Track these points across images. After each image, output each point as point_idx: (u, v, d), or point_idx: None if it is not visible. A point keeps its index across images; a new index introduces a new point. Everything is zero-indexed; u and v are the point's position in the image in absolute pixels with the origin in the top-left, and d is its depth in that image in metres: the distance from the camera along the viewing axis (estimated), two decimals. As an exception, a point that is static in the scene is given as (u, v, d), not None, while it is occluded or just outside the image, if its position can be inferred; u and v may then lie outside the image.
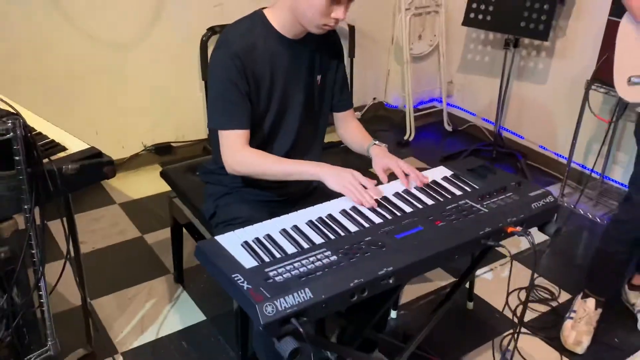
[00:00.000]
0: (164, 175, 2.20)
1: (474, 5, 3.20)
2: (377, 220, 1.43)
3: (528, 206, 1.52)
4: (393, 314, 2.31)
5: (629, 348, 2.21)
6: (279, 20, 1.64)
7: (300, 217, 1.44)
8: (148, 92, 3.16)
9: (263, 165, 1.63)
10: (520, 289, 2.48)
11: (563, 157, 3.34)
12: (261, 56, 1.63)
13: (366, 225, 1.41)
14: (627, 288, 2.39)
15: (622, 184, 3.11)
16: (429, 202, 1.52)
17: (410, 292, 2.44)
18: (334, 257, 1.27)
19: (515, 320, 2.31)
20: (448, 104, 3.98)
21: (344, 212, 1.47)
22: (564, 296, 2.45)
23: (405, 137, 3.81)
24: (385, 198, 1.53)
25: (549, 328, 2.29)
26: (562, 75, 3.29)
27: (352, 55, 3.60)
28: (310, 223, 1.42)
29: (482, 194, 1.55)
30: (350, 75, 3.65)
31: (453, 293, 1.76)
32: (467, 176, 1.66)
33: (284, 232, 1.38)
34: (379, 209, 1.48)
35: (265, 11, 1.67)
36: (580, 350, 2.17)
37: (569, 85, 3.24)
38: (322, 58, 1.75)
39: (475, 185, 1.61)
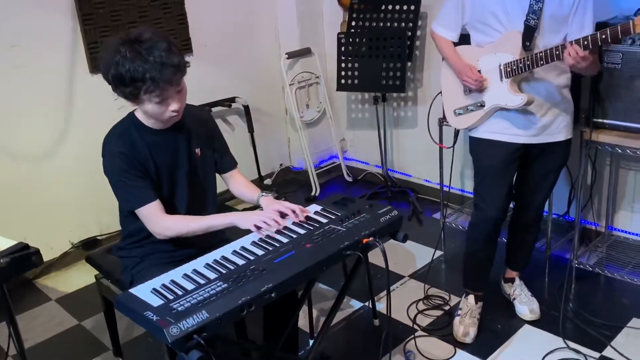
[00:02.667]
0: (89, 260, 2.50)
1: (343, 73, 3.75)
2: (260, 252, 1.81)
3: (377, 221, 1.94)
4: (311, 342, 2.65)
5: (510, 331, 2.63)
6: (145, 118, 2.01)
7: (199, 262, 1.79)
8: (70, 193, 3.46)
9: (188, 225, 2.00)
10: (417, 300, 2.88)
11: (446, 185, 3.85)
12: (140, 150, 1.99)
13: (251, 257, 1.79)
14: (503, 282, 2.84)
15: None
16: (302, 231, 1.92)
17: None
18: (224, 285, 1.63)
19: (415, 326, 2.70)
20: (345, 158, 4.47)
21: (234, 252, 1.84)
22: (454, 300, 2.87)
23: (312, 193, 4.24)
24: (268, 236, 1.91)
25: (444, 328, 2.69)
26: (426, 118, 3.83)
27: (251, 130, 4.05)
28: (207, 265, 1.78)
29: (342, 218, 1.96)
30: (253, 148, 4.09)
31: (340, 300, 2.12)
32: (332, 207, 2.07)
33: (185, 275, 1.73)
34: (262, 244, 1.86)
35: (135, 112, 2.05)
36: (468, 340, 2.56)
37: (434, 126, 3.79)
38: (197, 133, 2.14)
39: (337, 213, 2.02)
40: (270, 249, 1.82)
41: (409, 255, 3.30)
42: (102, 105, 3.49)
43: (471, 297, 2.66)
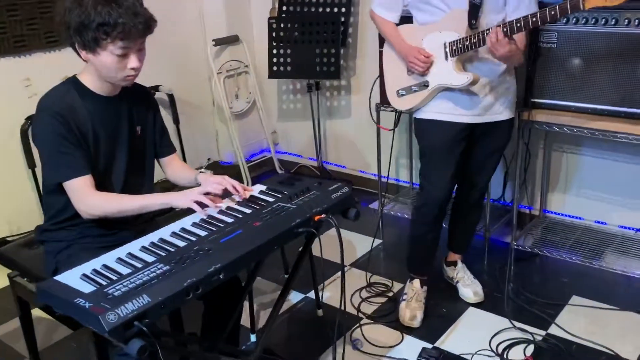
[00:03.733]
0: (1, 258, 2.22)
1: (275, 60, 3.61)
2: (203, 233, 1.64)
3: (329, 198, 1.83)
4: (252, 337, 2.49)
5: (456, 314, 2.59)
6: (91, 81, 1.83)
7: (134, 246, 1.60)
8: (-27, 191, 3.12)
9: (119, 204, 1.81)
10: (360, 288, 2.79)
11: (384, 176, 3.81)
12: (81, 116, 1.80)
13: (193, 238, 1.62)
14: (445, 265, 2.80)
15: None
16: (248, 210, 1.77)
17: (266, 315, 2.64)
18: (166, 267, 1.45)
19: (360, 314, 2.60)
20: (276, 152, 4.33)
21: (173, 234, 1.66)
22: (397, 286, 2.80)
23: (243, 188, 4.07)
24: (209, 216, 1.75)
25: (389, 314, 2.61)
26: (360, 107, 3.78)
27: (176, 122, 3.82)
28: (144, 248, 1.59)
29: (291, 196, 1.83)
30: (179, 141, 3.87)
31: (288, 287, 1.99)
32: (278, 186, 1.94)
33: (120, 260, 1.54)
34: (204, 225, 1.69)
35: (78, 76, 1.86)
36: (416, 324, 2.49)
37: (367, 114, 3.74)
38: (138, 111, 1.96)
39: (285, 192, 1.88)
40: (214, 229, 1.66)
41: (348, 244, 3.20)
42: (11, 93, 3.19)
43: (416, 281, 2.60)
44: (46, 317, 2.30)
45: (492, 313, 2.56)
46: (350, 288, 2.79)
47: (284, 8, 3.62)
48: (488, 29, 2.14)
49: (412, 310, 2.52)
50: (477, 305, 2.63)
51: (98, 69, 1.78)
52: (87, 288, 1.40)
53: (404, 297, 2.60)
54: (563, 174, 3.10)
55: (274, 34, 3.58)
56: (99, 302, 1.32)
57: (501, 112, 2.39)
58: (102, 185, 1.86)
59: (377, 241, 3.19)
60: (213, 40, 3.87)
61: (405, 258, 2.71)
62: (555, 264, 2.91)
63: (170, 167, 2.11)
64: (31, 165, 3.22)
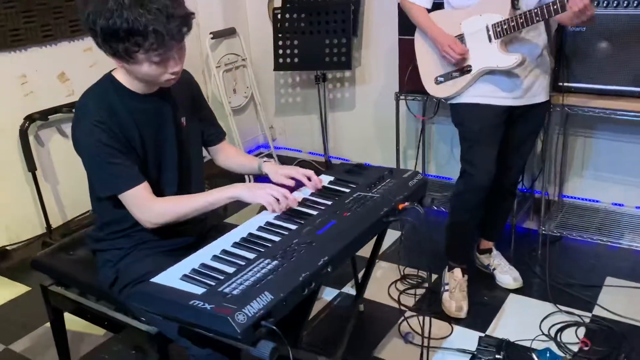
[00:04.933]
0: (36, 264, 2.04)
1: (281, 52, 3.51)
2: (293, 226, 1.55)
3: (406, 186, 1.77)
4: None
5: (498, 301, 2.57)
6: (128, 80, 1.67)
7: (225, 243, 1.49)
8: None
9: (184, 206, 1.66)
10: (395, 281, 2.73)
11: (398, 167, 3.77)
12: (123, 119, 1.65)
13: (286, 233, 1.52)
14: (478, 253, 2.78)
15: (438, 177, 3.59)
16: (329, 202, 1.68)
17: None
18: (275, 262, 1.36)
19: (402, 307, 2.55)
20: (275, 147, 4.22)
21: (260, 229, 1.56)
22: (433, 277, 2.76)
23: (244, 186, 3.94)
24: (290, 209, 1.65)
25: (432, 305, 2.56)
26: (365, 98, 3.73)
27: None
28: (236, 245, 1.49)
29: (368, 185, 1.75)
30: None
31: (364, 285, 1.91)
32: (347, 176, 1.86)
33: (216, 258, 1.43)
34: (292, 217, 1.60)
35: (114, 73, 1.70)
36: (463, 314, 2.46)
37: (373, 106, 3.70)
38: (182, 101, 1.82)
39: (357, 182, 1.81)
40: (303, 222, 1.57)
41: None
42: (7, 91, 2.96)
43: (457, 271, 2.56)
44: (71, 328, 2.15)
45: (534, 298, 2.56)
46: (385, 281, 2.73)
47: (288, -2, 3.52)
48: (537, 8, 2.12)
49: (457, 301, 2.48)
50: (517, 291, 2.62)
51: (133, 75, 1.62)
52: (195, 289, 1.29)
53: (446, 287, 2.56)
54: (579, 158, 3.14)
55: (279, 25, 3.47)
56: (220, 302, 1.21)
57: (539, 94, 2.38)
58: (156, 188, 1.73)
59: (397, 233, 3.15)
60: (211, 33, 3.73)
61: (439, 248, 2.67)
62: (581, 247, 2.94)
63: (224, 153, 1.99)
64: (31, 168, 3.00)
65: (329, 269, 1.40)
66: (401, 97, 3.12)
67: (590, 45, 2.59)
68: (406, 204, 1.67)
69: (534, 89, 2.36)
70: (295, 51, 3.48)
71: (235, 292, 1.24)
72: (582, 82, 2.64)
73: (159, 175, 1.75)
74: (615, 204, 3.11)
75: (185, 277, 1.34)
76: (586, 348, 2.23)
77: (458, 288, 2.52)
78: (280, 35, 3.49)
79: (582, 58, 2.61)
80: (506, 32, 2.21)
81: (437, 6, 2.44)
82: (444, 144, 3.53)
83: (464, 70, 2.34)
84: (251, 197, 1.64)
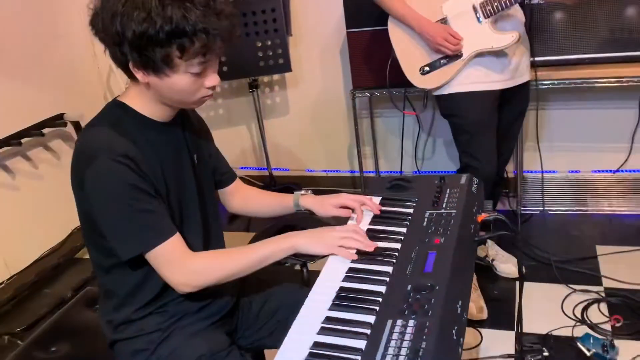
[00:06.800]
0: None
1: (205, 61, 3.11)
2: (387, 268, 1.26)
3: (471, 193, 1.54)
4: None
5: (509, 293, 2.45)
6: (143, 105, 1.31)
7: (319, 309, 1.17)
8: None
9: (230, 264, 1.31)
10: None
11: (331, 171, 3.55)
12: (143, 149, 1.28)
13: (387, 279, 1.23)
14: (472, 247, 2.65)
15: (392, 172, 3.44)
16: (402, 229, 1.41)
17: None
18: (411, 321, 1.07)
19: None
20: (199, 169, 3.80)
21: (350, 279, 1.25)
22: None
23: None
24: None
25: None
26: (301, 101, 3.46)
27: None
28: (337, 307, 1.17)
29: (431, 201, 1.51)
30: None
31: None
32: (396, 194, 1.60)
33: (326, 330, 1.10)
34: (375, 256, 1.31)
35: (121, 99, 1.32)
36: (485, 314, 2.31)
37: (310, 108, 3.44)
38: (192, 136, 1.46)
39: (412, 198, 1.55)
40: (392, 260, 1.29)
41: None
42: None
43: (466, 270, 2.41)
44: None
45: (544, 282, 2.48)
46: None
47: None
48: None
49: (475, 302, 2.32)
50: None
51: (162, 93, 1.26)
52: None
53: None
54: (532, 131, 3.13)
55: (199, 33, 3.07)
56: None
57: (525, 73, 2.30)
58: (181, 229, 1.35)
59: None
60: (114, 50, 3.22)
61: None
62: (558, 221, 2.93)
63: (240, 195, 1.64)
64: None
65: (465, 314, 1.14)
66: (357, 94, 2.89)
67: (551, 17, 2.54)
68: (486, 215, 1.45)
69: (521, 68, 2.26)
70: (223, 59, 3.10)
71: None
72: (549, 55, 2.59)
73: (181, 223, 1.37)
74: (572, 171, 3.15)
75: (311, 365, 1.01)
76: (619, 325, 2.18)
77: (472, 288, 2.36)
78: (202, 43, 3.09)
79: (546, 31, 2.56)
80: (497, 10, 2.08)
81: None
82: (392, 136, 3.36)
83: (452, 56, 2.16)
84: (321, 247, 1.32)
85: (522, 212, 2.93)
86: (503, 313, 2.33)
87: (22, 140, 2.76)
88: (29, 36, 2.95)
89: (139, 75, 1.22)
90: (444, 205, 1.48)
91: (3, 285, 2.73)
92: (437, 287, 1.16)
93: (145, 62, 1.19)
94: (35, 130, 2.83)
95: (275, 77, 3.43)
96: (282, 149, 3.63)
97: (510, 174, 3.19)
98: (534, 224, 2.94)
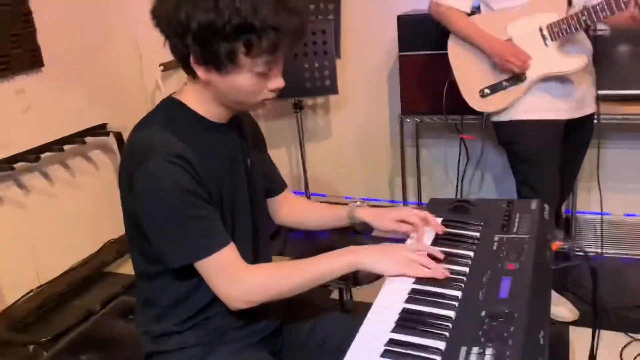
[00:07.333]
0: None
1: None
2: (456, 292, 1.14)
3: (543, 220, 1.42)
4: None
5: (563, 338, 2.28)
6: (201, 104, 1.23)
7: (381, 331, 1.05)
8: None
9: (288, 279, 1.21)
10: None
11: (370, 199, 3.44)
12: (197, 149, 1.19)
13: (455, 303, 1.11)
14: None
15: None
16: (470, 253, 1.29)
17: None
18: (489, 351, 0.95)
19: None
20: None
21: (413, 301, 1.13)
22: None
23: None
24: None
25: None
26: (344, 126, 3.38)
27: (127, 167, 3.09)
28: (399, 329, 1.05)
29: (500, 225, 1.39)
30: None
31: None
32: (460, 216, 1.48)
33: (391, 354, 0.99)
34: (440, 280, 1.19)
35: (177, 96, 1.25)
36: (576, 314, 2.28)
37: (353, 132, 3.36)
38: (246, 140, 1.38)
39: (479, 221, 1.43)
40: (461, 284, 1.17)
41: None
42: None
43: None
44: None
45: (601, 329, 2.29)
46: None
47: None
48: (598, 4, 1.90)
49: (563, 304, 2.33)
50: (575, 323, 2.35)
51: (222, 92, 1.19)
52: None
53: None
54: (587, 169, 2.98)
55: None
56: None
57: (590, 104, 2.19)
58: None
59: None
60: (161, 65, 3.21)
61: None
62: (608, 264, 2.75)
63: (289, 205, 1.54)
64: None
65: (547, 347, 1.01)
66: (406, 119, 2.80)
67: (616, 50, 2.43)
68: (559, 243, 1.33)
69: (587, 99, 2.15)
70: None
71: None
72: (613, 88, 2.47)
73: (232, 232, 1.27)
74: (629, 215, 2.98)
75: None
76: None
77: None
78: (250, 61, 3.05)
79: (610, 64, 2.45)
80: (565, 32, 1.98)
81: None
82: (439, 167, 3.25)
83: (516, 79, 2.06)
84: (389, 264, 1.20)
85: (576, 253, 2.75)
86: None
87: (64, 147, 2.72)
88: (80, 47, 2.95)
89: (199, 71, 1.15)
90: (514, 230, 1.36)
91: (32, 293, 2.66)
92: (516, 315, 1.03)
93: (208, 57, 1.11)
94: (78, 138, 2.80)
95: (319, 100, 3.37)
96: (320, 174, 3.55)
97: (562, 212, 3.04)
98: (595, 267, 2.76)
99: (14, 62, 2.54)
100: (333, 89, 3.03)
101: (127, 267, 3.06)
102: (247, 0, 1.07)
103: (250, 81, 1.14)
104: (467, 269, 1.22)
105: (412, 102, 2.71)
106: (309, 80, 3.02)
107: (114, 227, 3.12)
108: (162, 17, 1.14)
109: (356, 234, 2.94)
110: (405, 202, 3.12)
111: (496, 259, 1.24)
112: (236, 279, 1.17)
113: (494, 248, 1.29)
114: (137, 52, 3.34)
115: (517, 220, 1.40)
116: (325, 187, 3.57)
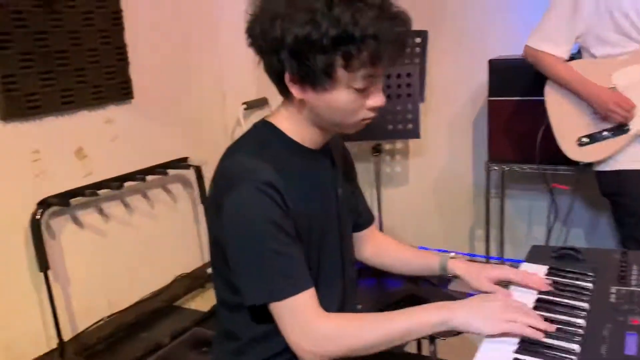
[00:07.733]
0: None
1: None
2: (574, 346, 1.01)
3: (664, 273, 1.27)
4: None
5: None
6: (295, 127, 1.17)
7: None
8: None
9: (364, 332, 1.08)
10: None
11: (447, 251, 3.28)
12: (289, 179, 1.12)
13: (574, 357, 0.98)
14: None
15: (516, 260, 3.13)
16: (585, 305, 1.15)
17: None
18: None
19: None
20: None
21: (526, 352, 1.01)
22: None
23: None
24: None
25: None
26: (423, 172, 3.29)
27: (204, 201, 3.10)
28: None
29: (617, 276, 1.25)
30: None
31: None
32: (567, 265, 1.35)
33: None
34: (554, 334, 1.05)
35: (271, 119, 1.20)
36: None
37: (433, 180, 3.26)
38: (338, 168, 1.31)
39: (589, 271, 1.29)
40: (579, 338, 1.04)
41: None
42: (17, 161, 2.34)
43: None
44: None
45: None
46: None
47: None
48: None
49: None
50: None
51: (318, 112, 1.12)
52: None
53: None
54: None
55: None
56: None
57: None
58: (317, 280, 1.17)
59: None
60: (244, 103, 3.25)
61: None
62: None
63: (374, 243, 1.45)
64: (43, 267, 2.35)
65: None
66: (493, 167, 2.68)
67: None
68: (688, 301, 1.17)
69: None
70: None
71: None
72: None
73: (318, 272, 1.19)
74: None
75: None
76: None
77: None
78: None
79: None
80: (678, 82, 1.84)
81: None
82: (519, 220, 3.08)
83: (619, 129, 1.93)
84: (486, 323, 1.05)
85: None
86: None
87: (147, 177, 2.76)
88: (168, 81, 3.02)
89: (294, 89, 1.10)
90: (634, 282, 1.21)
91: (103, 322, 2.66)
92: (649, 376, 0.90)
93: (304, 73, 1.06)
94: (160, 169, 2.83)
95: (398, 145, 3.30)
96: (396, 221, 3.44)
97: None
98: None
99: (106, 93, 2.62)
100: (415, 133, 2.95)
101: (196, 303, 3.02)
102: (347, 10, 1.01)
103: (348, 98, 1.08)
104: (580, 321, 1.09)
105: (500, 149, 2.60)
106: (391, 122, 2.96)
107: (187, 261, 3.12)
108: (257, 35, 1.09)
109: (432, 285, 2.81)
110: (488, 257, 2.95)
111: (617, 312, 1.11)
112: (307, 326, 1.07)
113: (612, 300, 1.15)
114: (221, 90, 3.40)
115: (636, 271, 1.26)
116: (400, 235, 3.45)
